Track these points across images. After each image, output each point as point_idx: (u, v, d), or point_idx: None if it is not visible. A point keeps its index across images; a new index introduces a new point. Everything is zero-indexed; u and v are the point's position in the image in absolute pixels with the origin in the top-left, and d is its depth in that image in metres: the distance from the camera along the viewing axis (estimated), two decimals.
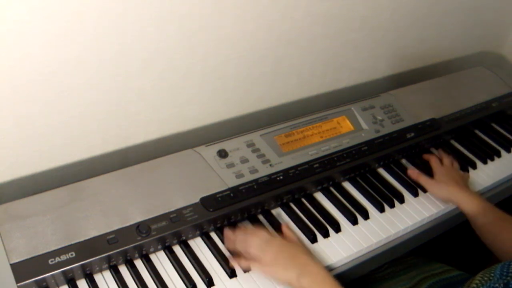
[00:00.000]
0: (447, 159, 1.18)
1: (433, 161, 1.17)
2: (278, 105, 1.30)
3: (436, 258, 1.15)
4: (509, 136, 1.36)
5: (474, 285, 0.74)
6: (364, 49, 1.35)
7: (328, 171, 1.08)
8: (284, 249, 0.87)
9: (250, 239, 0.89)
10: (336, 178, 1.11)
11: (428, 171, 1.16)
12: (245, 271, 0.89)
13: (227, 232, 0.93)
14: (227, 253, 0.93)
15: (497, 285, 0.71)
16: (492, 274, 0.73)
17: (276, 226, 0.99)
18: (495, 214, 1.00)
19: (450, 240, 1.00)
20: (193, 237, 0.95)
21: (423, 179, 1.12)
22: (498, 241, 0.96)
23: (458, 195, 1.05)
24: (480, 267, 0.75)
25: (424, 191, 1.13)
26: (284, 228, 0.96)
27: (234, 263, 0.89)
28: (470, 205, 1.03)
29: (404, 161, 1.22)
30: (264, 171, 1.03)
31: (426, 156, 1.20)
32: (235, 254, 0.91)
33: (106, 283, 0.85)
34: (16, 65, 0.84)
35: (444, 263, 1.13)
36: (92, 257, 0.83)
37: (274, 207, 1.04)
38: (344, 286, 1.03)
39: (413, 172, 1.13)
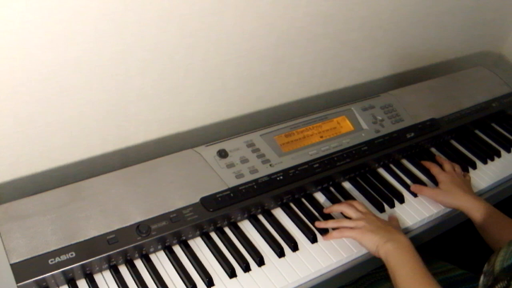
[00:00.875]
0: (448, 165, 1.17)
1: (435, 170, 1.15)
2: (278, 105, 1.30)
3: (438, 257, 1.15)
4: (509, 136, 1.36)
5: (503, 253, 0.74)
6: (364, 49, 1.35)
7: (328, 171, 1.08)
8: (375, 219, 0.98)
9: (343, 208, 1.01)
10: (336, 178, 1.11)
11: (429, 173, 1.17)
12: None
13: (320, 223, 1.00)
14: (227, 253, 0.93)
15: None
16: None
17: (277, 225, 0.99)
18: (498, 217, 1.01)
19: (452, 239, 1.00)
20: (193, 237, 0.95)
21: (427, 192, 1.11)
22: (502, 243, 0.96)
23: (464, 203, 1.05)
24: (483, 265, 0.75)
25: None
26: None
27: (326, 238, 0.98)
28: (475, 210, 1.03)
29: (404, 161, 1.22)
30: (264, 171, 1.03)
31: (426, 164, 1.19)
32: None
33: (106, 283, 0.85)
34: (16, 65, 0.84)
35: (447, 262, 1.13)
36: (92, 257, 0.83)
37: (274, 207, 1.04)
38: (345, 286, 1.04)
39: (416, 187, 1.12)
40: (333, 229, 0.99)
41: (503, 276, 0.70)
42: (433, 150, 1.27)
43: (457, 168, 1.17)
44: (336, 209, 1.02)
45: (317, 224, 1.00)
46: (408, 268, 0.88)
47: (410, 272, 0.87)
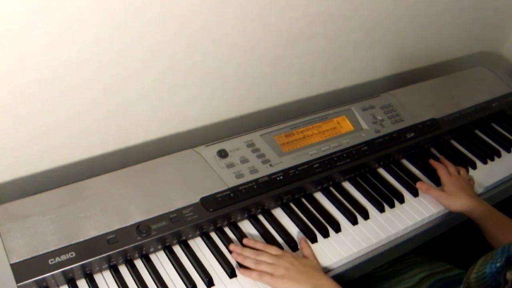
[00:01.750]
0: (453, 168, 1.16)
1: (441, 171, 1.15)
2: (278, 105, 1.30)
3: (437, 257, 1.15)
4: (509, 136, 1.36)
5: (478, 266, 0.76)
6: (364, 49, 1.35)
7: (328, 171, 1.08)
8: (295, 263, 0.88)
9: (261, 254, 0.90)
10: (336, 178, 1.11)
11: (431, 172, 1.17)
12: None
13: (235, 247, 0.93)
14: (227, 253, 0.93)
15: (498, 261, 0.73)
16: (493, 254, 0.76)
17: (277, 225, 0.99)
18: (502, 220, 1.02)
19: (451, 239, 1.00)
20: (193, 237, 0.95)
21: (434, 193, 1.10)
22: (502, 244, 0.97)
23: (468, 207, 1.05)
24: None
25: None
26: (302, 242, 0.96)
27: (244, 275, 0.89)
28: (479, 214, 1.03)
29: (404, 161, 1.22)
30: (264, 171, 1.03)
31: (433, 164, 1.18)
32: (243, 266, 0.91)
33: (106, 283, 0.85)
34: (16, 65, 0.84)
35: (445, 262, 1.13)
36: (92, 257, 0.83)
37: (274, 207, 1.04)
38: (345, 285, 1.04)
39: (423, 186, 1.12)
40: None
41: (475, 285, 0.72)
42: (433, 150, 1.27)
43: (463, 171, 1.17)
44: (248, 254, 0.91)
45: (232, 248, 0.92)
46: None
47: None
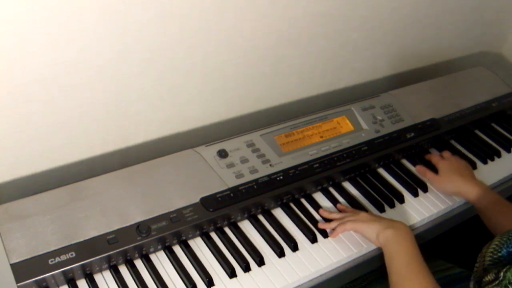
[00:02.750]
0: (447, 152, 1.19)
1: (434, 158, 1.17)
2: (278, 105, 1.30)
3: (437, 255, 1.15)
4: (509, 136, 1.36)
5: (494, 246, 0.75)
6: (364, 49, 1.35)
7: (328, 171, 1.08)
8: (373, 214, 1.01)
9: (344, 212, 1.02)
10: (336, 178, 1.11)
11: (431, 167, 1.17)
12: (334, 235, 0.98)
13: (323, 224, 1.01)
14: (227, 253, 0.93)
15: None
16: (510, 235, 0.75)
17: (277, 225, 0.99)
18: (499, 203, 1.01)
19: (451, 238, 1.00)
20: (193, 237, 0.95)
21: (429, 175, 1.12)
22: (502, 228, 0.96)
23: (462, 188, 1.06)
24: None
25: (424, 191, 1.13)
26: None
27: (331, 236, 0.98)
28: (475, 196, 1.03)
29: (404, 161, 1.22)
30: (264, 171, 1.03)
31: (427, 157, 1.20)
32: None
33: (106, 283, 0.85)
34: (16, 65, 0.84)
35: (446, 261, 1.13)
36: (92, 257, 0.83)
37: (274, 207, 1.04)
38: (346, 285, 1.04)
39: (421, 168, 1.14)
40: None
41: (492, 267, 0.71)
42: (433, 150, 1.27)
43: (457, 156, 1.18)
44: (334, 216, 1.02)
45: (320, 225, 1.00)
46: (404, 256, 0.88)
47: (405, 261, 0.87)
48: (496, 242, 0.76)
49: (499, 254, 0.73)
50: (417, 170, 1.15)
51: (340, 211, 1.04)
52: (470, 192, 1.04)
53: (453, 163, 1.13)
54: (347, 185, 1.12)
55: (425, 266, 0.86)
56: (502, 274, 0.68)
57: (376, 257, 0.98)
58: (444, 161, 1.14)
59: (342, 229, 0.98)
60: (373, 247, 0.99)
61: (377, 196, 1.09)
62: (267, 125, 1.10)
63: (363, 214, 0.99)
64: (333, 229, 0.99)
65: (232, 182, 0.99)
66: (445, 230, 1.14)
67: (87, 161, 1.05)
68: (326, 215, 1.03)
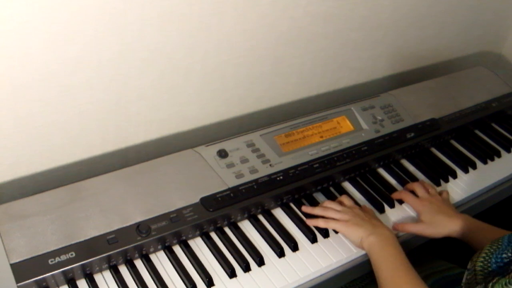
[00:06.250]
0: (421, 189, 1.08)
1: (409, 199, 1.06)
2: (278, 105, 1.30)
3: (438, 256, 1.15)
4: (509, 136, 1.36)
5: (484, 255, 0.75)
6: (364, 49, 1.35)
7: (328, 171, 1.08)
8: (360, 213, 0.99)
9: (330, 206, 1.02)
10: (336, 178, 1.11)
11: (430, 167, 1.16)
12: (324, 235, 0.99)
13: (306, 207, 1.03)
14: (227, 253, 0.93)
15: (505, 252, 0.72)
16: (500, 243, 0.75)
17: (277, 225, 0.99)
18: (488, 230, 0.96)
19: (453, 238, 0.99)
20: (193, 237, 0.95)
21: (412, 228, 1.01)
22: None
23: (454, 229, 0.99)
24: None
25: None
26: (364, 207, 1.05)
27: (311, 223, 0.99)
28: (466, 230, 0.98)
29: (404, 161, 1.22)
30: (264, 171, 1.03)
31: (395, 195, 1.09)
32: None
33: (106, 283, 0.85)
34: (16, 65, 0.84)
35: (446, 261, 1.13)
36: (92, 257, 0.83)
37: (274, 207, 1.04)
38: (346, 285, 1.04)
39: (398, 226, 1.02)
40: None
41: (481, 280, 0.71)
42: (433, 150, 1.27)
43: (431, 189, 1.09)
44: (325, 205, 1.03)
45: (304, 208, 1.02)
46: (390, 263, 0.88)
47: (392, 268, 0.87)
48: (486, 251, 0.75)
49: (490, 269, 0.72)
50: (395, 228, 1.02)
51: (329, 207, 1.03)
52: (458, 229, 0.98)
53: (432, 202, 1.04)
54: (347, 185, 1.12)
55: (413, 271, 0.86)
56: (490, 285, 0.67)
57: None
58: (421, 202, 1.05)
59: (324, 224, 0.99)
60: None
61: (377, 196, 1.09)
62: (267, 125, 1.10)
63: (347, 215, 0.98)
64: (316, 219, 1.00)
65: (232, 182, 0.99)
66: None
67: (87, 161, 1.05)
68: (309, 211, 1.03)
